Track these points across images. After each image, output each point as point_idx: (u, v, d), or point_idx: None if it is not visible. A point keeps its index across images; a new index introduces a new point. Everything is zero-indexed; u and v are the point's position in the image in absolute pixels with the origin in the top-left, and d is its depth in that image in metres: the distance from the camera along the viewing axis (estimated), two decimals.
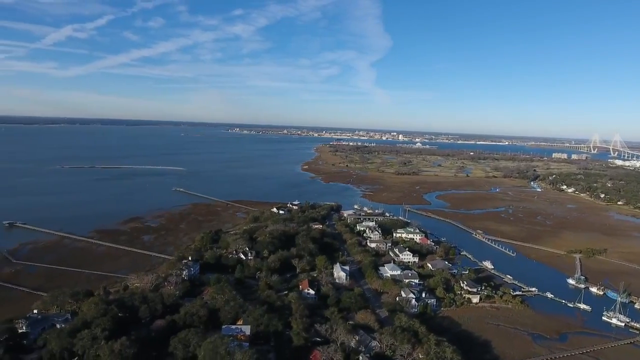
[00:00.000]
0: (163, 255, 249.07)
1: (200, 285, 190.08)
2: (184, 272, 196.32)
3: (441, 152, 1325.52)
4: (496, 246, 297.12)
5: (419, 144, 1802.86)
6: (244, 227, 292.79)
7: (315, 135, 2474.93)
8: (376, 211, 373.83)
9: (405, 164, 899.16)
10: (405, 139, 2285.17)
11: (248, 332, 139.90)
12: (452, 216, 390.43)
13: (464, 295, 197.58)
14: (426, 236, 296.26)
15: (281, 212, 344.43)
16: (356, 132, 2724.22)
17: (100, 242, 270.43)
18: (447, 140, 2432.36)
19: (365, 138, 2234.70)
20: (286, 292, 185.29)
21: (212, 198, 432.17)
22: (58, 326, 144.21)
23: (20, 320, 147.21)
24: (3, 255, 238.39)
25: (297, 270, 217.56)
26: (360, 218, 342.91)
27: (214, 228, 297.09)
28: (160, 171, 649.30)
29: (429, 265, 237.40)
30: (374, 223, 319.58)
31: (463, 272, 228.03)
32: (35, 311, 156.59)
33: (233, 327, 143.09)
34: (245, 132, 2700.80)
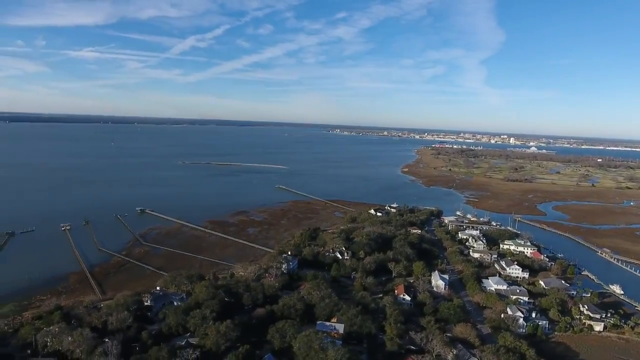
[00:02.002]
0: (265, 248, 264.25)
1: (298, 279, 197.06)
2: (284, 266, 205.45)
3: (560, 157, 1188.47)
4: (628, 268, 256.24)
5: (533, 148, 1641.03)
6: (342, 227, 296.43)
7: (417, 137, 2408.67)
8: (481, 219, 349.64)
9: (516, 169, 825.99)
10: (518, 143, 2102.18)
11: (341, 331, 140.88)
12: (572, 230, 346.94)
13: (583, 320, 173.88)
14: (539, 250, 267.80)
15: (379, 214, 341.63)
16: (461, 135, 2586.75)
17: (212, 232, 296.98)
18: (567, 145, 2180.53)
19: (471, 141, 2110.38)
20: (381, 295, 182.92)
21: (311, 196, 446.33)
22: (175, 303, 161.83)
23: (146, 295, 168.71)
24: (136, 237, 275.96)
25: (393, 274, 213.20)
26: (462, 225, 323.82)
27: (313, 226, 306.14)
28: (265, 169, 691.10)
29: (542, 282, 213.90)
30: (478, 232, 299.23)
31: (584, 295, 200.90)
32: (158, 288, 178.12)
33: (327, 323, 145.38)
34: (345, 133, 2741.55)
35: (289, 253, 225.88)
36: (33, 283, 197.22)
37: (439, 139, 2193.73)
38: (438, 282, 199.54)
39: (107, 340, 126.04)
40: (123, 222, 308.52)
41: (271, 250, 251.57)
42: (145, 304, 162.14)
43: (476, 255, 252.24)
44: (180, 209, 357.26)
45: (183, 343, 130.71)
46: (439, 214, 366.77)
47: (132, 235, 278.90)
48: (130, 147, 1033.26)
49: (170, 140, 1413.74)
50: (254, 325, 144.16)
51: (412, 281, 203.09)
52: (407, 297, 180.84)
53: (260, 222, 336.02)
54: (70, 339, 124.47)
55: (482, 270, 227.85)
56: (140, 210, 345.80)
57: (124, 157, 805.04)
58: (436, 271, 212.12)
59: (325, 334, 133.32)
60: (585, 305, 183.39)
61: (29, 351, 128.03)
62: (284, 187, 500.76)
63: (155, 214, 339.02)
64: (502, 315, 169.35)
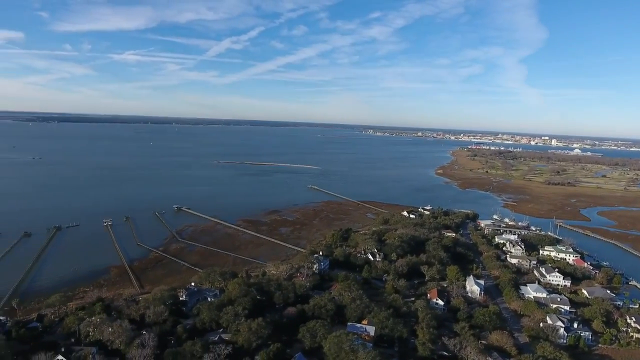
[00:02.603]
0: (297, 248, 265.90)
1: (329, 280, 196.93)
2: (315, 266, 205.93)
3: (607, 160, 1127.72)
4: None
5: (577, 150, 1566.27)
6: (374, 228, 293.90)
7: (452, 138, 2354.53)
8: (519, 224, 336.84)
9: (558, 172, 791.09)
10: (560, 144, 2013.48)
11: (372, 333, 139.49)
12: (619, 237, 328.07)
13: (631, 333, 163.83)
14: (582, 258, 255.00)
15: (412, 216, 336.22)
16: (499, 136, 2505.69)
17: (245, 230, 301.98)
18: (615, 147, 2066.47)
19: (509, 142, 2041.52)
20: (413, 298, 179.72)
21: (343, 197, 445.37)
22: (209, 299, 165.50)
23: (181, 290, 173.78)
24: (172, 234, 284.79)
25: (426, 278, 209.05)
26: (499, 230, 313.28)
27: (345, 226, 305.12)
28: (298, 169, 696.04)
29: (585, 292, 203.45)
30: (516, 237, 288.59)
31: (632, 306, 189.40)
32: (192, 284, 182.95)
33: (358, 325, 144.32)
34: (378, 133, 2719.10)
35: (321, 253, 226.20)
36: (77, 275, 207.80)
37: (476, 140, 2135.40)
38: (473, 287, 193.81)
39: (144, 332, 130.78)
40: (161, 219, 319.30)
41: (303, 250, 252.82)
42: (181, 298, 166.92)
43: (514, 260, 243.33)
44: (215, 207, 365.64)
45: (216, 338, 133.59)
46: (474, 217, 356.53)
47: (169, 232, 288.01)
48: (168, 147, 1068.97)
49: (206, 140, 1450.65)
50: (285, 324, 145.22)
51: (445, 285, 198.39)
52: (440, 302, 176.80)
53: (292, 221, 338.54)
54: (110, 329, 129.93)
55: (520, 276, 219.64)
56: (177, 207, 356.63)
57: (162, 156, 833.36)
58: (471, 276, 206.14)
59: (356, 336, 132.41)
60: (633, 317, 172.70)
61: (72, 339, 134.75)
62: (316, 187, 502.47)
63: (191, 211, 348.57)
64: (541, 325, 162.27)
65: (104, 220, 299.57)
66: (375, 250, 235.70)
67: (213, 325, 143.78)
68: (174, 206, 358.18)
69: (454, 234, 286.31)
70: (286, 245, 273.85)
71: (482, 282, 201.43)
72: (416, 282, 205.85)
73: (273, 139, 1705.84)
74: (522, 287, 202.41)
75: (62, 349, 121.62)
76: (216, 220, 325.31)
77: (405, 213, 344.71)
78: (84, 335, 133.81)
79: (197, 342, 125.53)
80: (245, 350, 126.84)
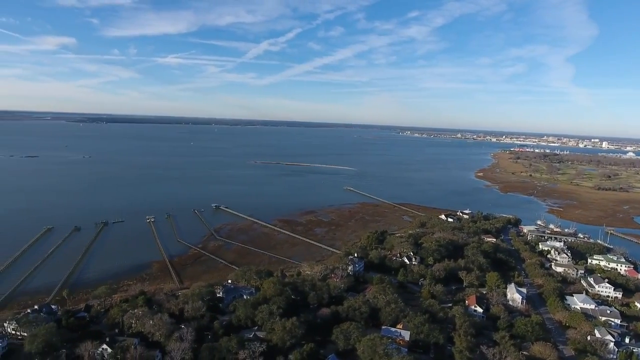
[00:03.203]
0: (331, 249, 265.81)
1: (364, 282, 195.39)
2: (349, 268, 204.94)
3: None
4: None
5: (630, 153, 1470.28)
6: (410, 231, 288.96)
7: (494, 140, 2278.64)
8: (566, 230, 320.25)
9: (609, 177, 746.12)
10: (612, 147, 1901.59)
11: (407, 338, 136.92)
12: None
13: None
14: (635, 268, 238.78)
15: (450, 219, 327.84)
16: (544, 138, 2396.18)
17: (281, 230, 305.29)
18: None
19: (555, 145, 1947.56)
20: (450, 304, 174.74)
21: (379, 199, 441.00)
22: (245, 297, 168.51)
23: (218, 287, 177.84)
24: (211, 231, 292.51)
25: (464, 284, 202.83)
26: (544, 236, 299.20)
27: (380, 228, 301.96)
28: (334, 170, 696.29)
29: (638, 305, 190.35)
30: (561, 244, 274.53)
31: None
32: (229, 281, 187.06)
33: (392, 329, 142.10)
34: (416, 135, 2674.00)
35: (355, 255, 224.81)
36: (122, 268, 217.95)
37: (519, 142, 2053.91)
38: (514, 295, 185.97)
39: (183, 326, 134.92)
40: (200, 217, 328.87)
41: (338, 251, 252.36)
42: (218, 295, 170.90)
43: (559, 269, 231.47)
44: (252, 206, 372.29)
45: (251, 336, 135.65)
46: (516, 223, 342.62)
47: (208, 230, 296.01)
48: (207, 147, 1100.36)
49: (244, 140, 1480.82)
50: (319, 325, 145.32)
51: (484, 292, 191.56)
52: (479, 309, 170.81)
53: (327, 222, 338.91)
54: (151, 322, 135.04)
55: (565, 286, 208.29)
56: (216, 206, 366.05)
57: (202, 156, 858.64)
58: (512, 284, 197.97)
59: (390, 340, 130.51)
60: None
61: (116, 330, 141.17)
62: (352, 188, 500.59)
63: (229, 210, 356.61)
64: (589, 338, 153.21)
65: (147, 217, 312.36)
66: (412, 253, 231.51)
67: (248, 322, 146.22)
68: (212, 205, 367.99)
69: (495, 240, 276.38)
70: (321, 245, 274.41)
71: (524, 290, 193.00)
72: (454, 287, 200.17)
73: (309, 140, 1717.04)
74: (567, 298, 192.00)
75: (107, 339, 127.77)
76: (253, 219, 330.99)
77: (443, 216, 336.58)
78: (127, 326, 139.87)
79: (232, 338, 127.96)
80: (279, 349, 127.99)
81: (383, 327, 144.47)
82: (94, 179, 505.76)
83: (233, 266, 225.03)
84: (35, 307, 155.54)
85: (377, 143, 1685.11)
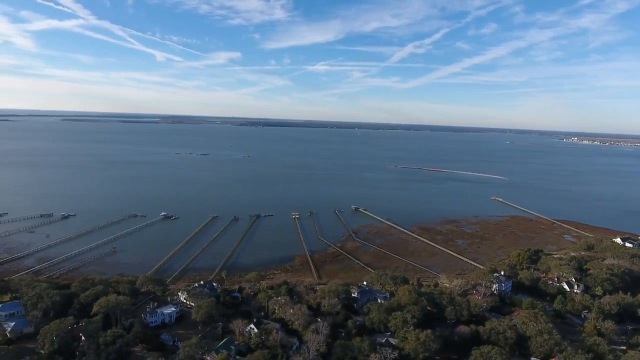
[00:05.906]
0: (474, 263, 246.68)
1: (510, 304, 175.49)
2: (494, 286, 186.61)
3: None
4: None
5: None
6: (572, 254, 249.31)
7: None
8: None
9: None
10: None
11: None
12: None
13: None
14: None
15: (628, 244, 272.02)
16: None
17: (419, 237, 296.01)
18: None
19: None
20: (624, 347, 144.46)
21: (534, 213, 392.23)
22: (379, 301, 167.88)
23: (354, 287, 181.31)
24: (349, 232, 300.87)
25: None
26: None
27: (534, 247, 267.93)
28: (480, 178, 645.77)
29: None
30: None
31: None
32: (364, 283, 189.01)
33: None
34: (585, 142, 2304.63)
35: (502, 273, 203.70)
36: (270, 258, 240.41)
37: None
38: None
39: (319, 320, 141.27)
40: (340, 217, 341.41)
41: (481, 267, 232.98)
42: (353, 295, 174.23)
43: None
44: (390, 210, 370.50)
45: (384, 341, 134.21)
46: None
47: (347, 230, 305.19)
48: (349, 150, 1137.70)
49: (385, 144, 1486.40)
50: (456, 342, 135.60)
51: None
52: None
53: (470, 234, 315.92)
54: (291, 311, 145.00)
55: None
56: (355, 208, 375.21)
57: (344, 158, 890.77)
58: None
59: None
60: None
61: (262, 313, 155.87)
62: (501, 199, 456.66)
63: (368, 213, 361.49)
64: None
65: (293, 213, 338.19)
66: (574, 279, 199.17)
67: (381, 327, 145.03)
68: (352, 206, 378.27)
69: None
70: (462, 258, 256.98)
71: None
72: (630, 327, 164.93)
73: (454, 145, 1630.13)
74: None
75: (255, 320, 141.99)
76: (390, 223, 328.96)
77: (618, 240, 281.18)
78: (271, 311, 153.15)
79: (365, 340, 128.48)
80: (411, 359, 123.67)
81: (532, 358, 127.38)
82: (251, 175, 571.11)
83: (369, 268, 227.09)
84: (201, 282, 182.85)
85: (533, 150, 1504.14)
